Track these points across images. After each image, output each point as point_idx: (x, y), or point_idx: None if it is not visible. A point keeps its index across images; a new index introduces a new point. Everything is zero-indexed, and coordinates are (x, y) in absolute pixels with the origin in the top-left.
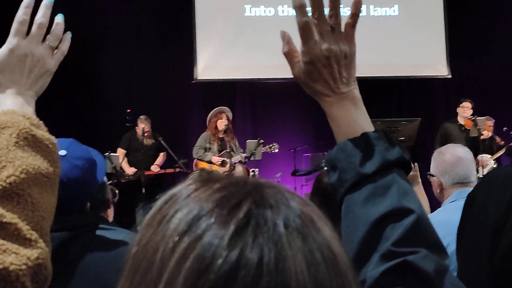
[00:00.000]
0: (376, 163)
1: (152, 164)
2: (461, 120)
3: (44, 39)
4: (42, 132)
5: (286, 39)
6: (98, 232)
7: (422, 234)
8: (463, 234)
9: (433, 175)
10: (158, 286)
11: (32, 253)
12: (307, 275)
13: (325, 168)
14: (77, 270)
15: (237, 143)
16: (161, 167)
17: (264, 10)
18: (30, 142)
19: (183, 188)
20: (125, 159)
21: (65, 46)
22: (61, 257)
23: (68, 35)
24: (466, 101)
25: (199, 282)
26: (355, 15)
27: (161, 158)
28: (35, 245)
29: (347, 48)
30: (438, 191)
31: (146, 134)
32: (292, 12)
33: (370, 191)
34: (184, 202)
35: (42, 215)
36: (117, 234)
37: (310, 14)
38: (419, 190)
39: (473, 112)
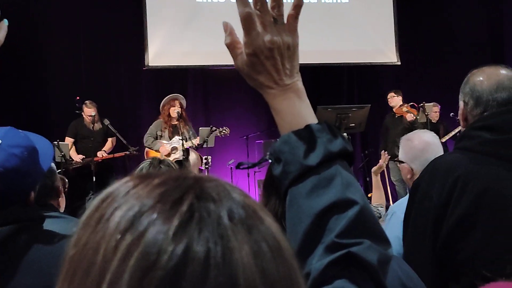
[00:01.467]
0: (320, 155)
1: (100, 150)
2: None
3: None
4: None
5: (228, 30)
6: (47, 221)
7: (366, 225)
8: (408, 220)
9: (402, 162)
10: (101, 287)
11: None
12: (254, 265)
13: (269, 160)
14: (20, 266)
15: (192, 130)
16: (111, 152)
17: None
18: None
19: (120, 186)
20: (73, 148)
21: (2, 35)
22: (3, 253)
23: (5, 23)
24: (390, 92)
25: (145, 279)
26: (297, 6)
27: (109, 143)
28: None
29: (290, 40)
30: (408, 177)
31: (92, 119)
32: None
33: (314, 183)
34: (123, 199)
35: None
36: (66, 222)
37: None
38: (377, 181)
39: (421, 99)
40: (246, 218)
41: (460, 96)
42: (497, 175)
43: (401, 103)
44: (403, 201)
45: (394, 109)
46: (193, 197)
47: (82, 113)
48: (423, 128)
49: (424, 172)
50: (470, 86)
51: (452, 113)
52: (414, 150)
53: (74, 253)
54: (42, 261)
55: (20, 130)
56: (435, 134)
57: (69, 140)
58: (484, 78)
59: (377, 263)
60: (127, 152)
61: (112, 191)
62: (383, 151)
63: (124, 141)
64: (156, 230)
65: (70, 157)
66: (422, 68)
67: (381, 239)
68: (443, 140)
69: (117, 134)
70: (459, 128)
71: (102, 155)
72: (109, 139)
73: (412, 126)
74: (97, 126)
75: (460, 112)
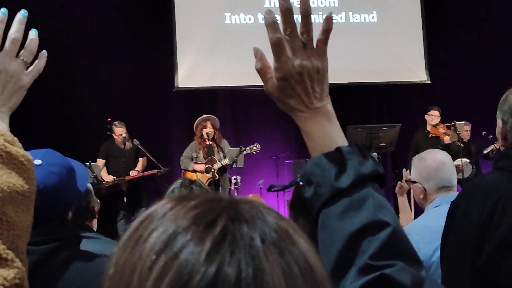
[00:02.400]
0: (351, 177)
1: (132, 170)
2: (428, 128)
3: (18, 55)
4: (17, 149)
5: (259, 55)
6: (83, 242)
7: (398, 247)
8: (447, 240)
9: (415, 182)
10: None
11: (9, 273)
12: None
13: (301, 182)
14: (59, 283)
15: (228, 147)
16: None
17: (244, 18)
18: (5, 159)
19: (158, 208)
20: (105, 169)
21: (41, 63)
22: (42, 271)
23: (44, 54)
24: (434, 109)
25: None
26: (327, 31)
27: (141, 163)
28: (11, 264)
29: (320, 64)
30: (421, 197)
31: (124, 138)
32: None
33: (346, 205)
34: (159, 221)
35: (18, 234)
36: (102, 243)
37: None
38: (405, 202)
39: (450, 118)
40: (278, 240)
41: (498, 114)
42: None
43: (438, 122)
44: (418, 221)
45: (430, 128)
46: (227, 219)
47: (113, 133)
48: (457, 149)
49: (463, 192)
50: (509, 104)
51: (484, 132)
52: (428, 170)
53: (114, 272)
54: (80, 279)
55: (57, 152)
56: (447, 154)
57: (100, 161)
58: None
59: (411, 285)
60: (159, 170)
61: (150, 213)
62: (404, 169)
63: (154, 160)
64: (190, 251)
65: (102, 178)
66: (451, 87)
67: (414, 260)
68: (475, 159)
69: (147, 154)
70: (491, 147)
71: (136, 174)
72: (140, 159)
73: (447, 148)
74: (128, 145)
75: (498, 130)
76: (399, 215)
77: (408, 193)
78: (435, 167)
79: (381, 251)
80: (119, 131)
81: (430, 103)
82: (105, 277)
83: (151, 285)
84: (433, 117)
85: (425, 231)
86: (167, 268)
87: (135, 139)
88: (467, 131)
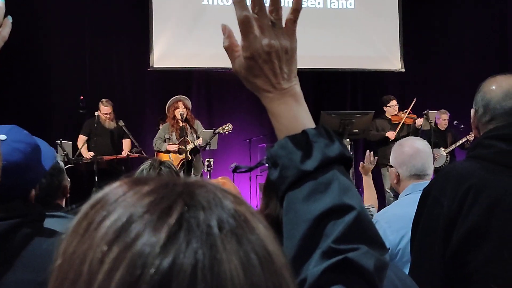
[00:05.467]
0: (317, 160)
1: (114, 149)
2: (389, 116)
3: None
4: None
5: (226, 32)
6: (51, 221)
7: (363, 231)
8: (417, 228)
9: (391, 166)
10: None
11: None
12: (243, 277)
13: (266, 164)
14: (19, 260)
15: (201, 129)
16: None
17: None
18: None
19: (110, 191)
20: (85, 145)
21: (6, 31)
22: (2, 247)
23: (9, 19)
24: (392, 99)
25: None
26: (296, 10)
27: (126, 145)
28: None
29: (288, 43)
30: (395, 181)
31: (108, 117)
32: (249, 2)
33: (311, 188)
34: (111, 207)
35: None
36: (70, 221)
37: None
38: (369, 180)
39: (423, 107)
40: (236, 227)
41: (473, 104)
42: (511, 185)
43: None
44: (388, 210)
45: (391, 116)
46: (182, 206)
47: (98, 111)
48: (429, 136)
49: (436, 179)
50: (481, 94)
51: (456, 122)
52: (403, 156)
53: (62, 262)
54: (41, 257)
55: (23, 129)
56: (427, 143)
57: (82, 138)
58: (495, 86)
59: (374, 269)
60: (132, 152)
61: (101, 197)
62: (368, 150)
63: (136, 144)
64: (143, 242)
65: (80, 155)
66: (426, 76)
67: (378, 244)
68: (450, 149)
69: (131, 136)
70: (464, 139)
71: (128, 155)
72: (124, 141)
73: (416, 133)
74: (112, 124)
75: (472, 120)
76: (364, 192)
77: (376, 182)
78: (410, 154)
79: (345, 235)
80: (105, 110)
81: (403, 91)
82: (53, 266)
83: (102, 278)
84: (394, 107)
85: (393, 219)
86: (119, 260)
87: (120, 120)
88: (445, 119)
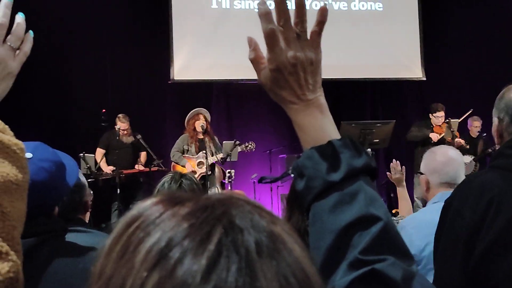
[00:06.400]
0: (343, 171)
1: (131, 163)
2: (433, 124)
3: (4, 40)
4: (9, 137)
5: (252, 45)
6: (73, 235)
7: (389, 242)
8: (439, 239)
9: (422, 173)
10: None
11: (3, 266)
12: None
13: (292, 175)
14: (43, 277)
15: (218, 143)
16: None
17: (241, 9)
18: None
19: (145, 211)
20: (104, 159)
21: (28, 46)
22: (27, 264)
23: (30, 34)
24: (439, 110)
25: None
26: (321, 22)
27: (143, 157)
28: (6, 257)
29: (313, 55)
30: (425, 189)
31: (125, 133)
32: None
33: (337, 199)
34: (149, 228)
35: (13, 225)
36: (93, 236)
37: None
38: (403, 192)
39: (446, 115)
40: (275, 250)
41: (494, 112)
42: None
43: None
44: (415, 216)
45: (435, 126)
46: (221, 231)
47: (115, 126)
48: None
49: (457, 190)
50: (505, 102)
51: (478, 130)
52: (435, 163)
53: (100, 286)
54: (64, 272)
55: (48, 146)
56: (459, 152)
57: (100, 151)
58: None
59: (401, 280)
60: (152, 166)
61: (137, 216)
62: (394, 160)
63: (154, 156)
64: (184, 270)
65: (100, 169)
66: (447, 84)
67: (405, 255)
68: (478, 157)
69: (148, 149)
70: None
71: (139, 168)
72: (141, 153)
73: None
74: (129, 139)
75: (494, 128)
76: (399, 204)
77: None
78: (442, 162)
79: (372, 246)
80: (122, 125)
81: (424, 100)
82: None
83: None
84: (439, 118)
85: (419, 225)
86: (161, 287)
87: (137, 134)
88: (476, 126)
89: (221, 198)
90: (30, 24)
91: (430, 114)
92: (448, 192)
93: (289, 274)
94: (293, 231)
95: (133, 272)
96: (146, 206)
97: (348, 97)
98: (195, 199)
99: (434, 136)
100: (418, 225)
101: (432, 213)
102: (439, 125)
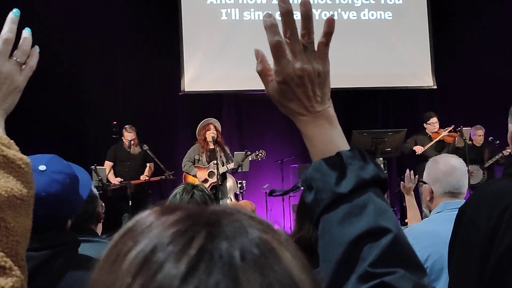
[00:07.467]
0: (352, 182)
1: (140, 174)
2: (429, 133)
3: (11, 55)
4: (14, 152)
5: (259, 57)
6: (86, 246)
7: (399, 254)
8: (453, 248)
9: (425, 183)
10: None
11: (7, 281)
12: None
13: (301, 187)
14: None
15: (228, 153)
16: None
17: (251, 22)
18: (1, 163)
19: (138, 221)
20: (112, 171)
21: (34, 61)
22: (40, 277)
23: (36, 49)
24: (433, 116)
25: None
26: (328, 33)
27: (149, 169)
28: (9, 273)
29: (320, 67)
30: (428, 199)
31: (133, 143)
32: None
33: (346, 211)
34: (138, 237)
35: (17, 240)
36: (104, 247)
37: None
38: (412, 200)
39: (456, 124)
40: (260, 257)
41: (509, 119)
42: None
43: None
44: (416, 226)
45: (431, 133)
46: (204, 237)
47: (122, 137)
48: (464, 153)
49: (471, 198)
50: None
51: (491, 138)
52: (437, 172)
53: None
54: (77, 285)
55: (62, 159)
56: (462, 161)
57: (108, 164)
58: None
59: None
60: (163, 177)
61: (130, 227)
62: (408, 169)
63: (162, 166)
64: (164, 274)
65: (108, 181)
66: (457, 92)
67: (416, 267)
68: (487, 165)
69: (155, 159)
70: (502, 153)
71: (145, 179)
72: (148, 164)
73: (456, 152)
74: (136, 150)
75: (509, 135)
76: (407, 212)
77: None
78: (445, 171)
79: (382, 258)
80: (128, 136)
81: (436, 108)
82: None
83: None
84: (434, 124)
85: (421, 236)
86: None
87: (144, 144)
88: (480, 135)
89: (215, 208)
90: (41, 34)
91: (424, 124)
92: (451, 202)
93: (274, 281)
94: (288, 240)
95: (119, 278)
96: (140, 216)
97: (359, 106)
98: (186, 208)
99: (418, 149)
100: (419, 236)
101: (434, 224)
102: (436, 131)
